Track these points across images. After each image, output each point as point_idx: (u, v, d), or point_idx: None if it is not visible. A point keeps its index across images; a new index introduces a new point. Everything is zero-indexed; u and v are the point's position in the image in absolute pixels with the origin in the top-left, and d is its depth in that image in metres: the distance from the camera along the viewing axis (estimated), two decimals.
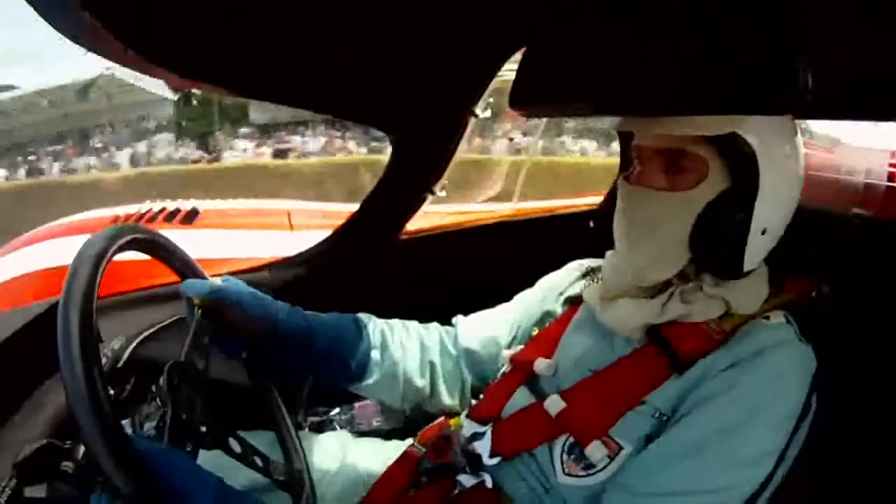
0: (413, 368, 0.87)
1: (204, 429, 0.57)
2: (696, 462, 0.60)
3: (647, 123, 0.69)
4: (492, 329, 0.92)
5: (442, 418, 0.87)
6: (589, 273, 0.89)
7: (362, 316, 0.88)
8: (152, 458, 0.47)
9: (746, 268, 0.68)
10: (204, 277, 0.74)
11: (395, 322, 0.91)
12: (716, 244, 0.67)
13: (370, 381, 0.84)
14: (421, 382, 0.87)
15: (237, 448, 0.60)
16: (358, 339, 0.84)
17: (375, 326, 0.87)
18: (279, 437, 0.76)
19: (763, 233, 0.67)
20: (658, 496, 0.60)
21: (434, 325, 0.95)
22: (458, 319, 0.95)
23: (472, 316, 0.95)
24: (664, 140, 0.67)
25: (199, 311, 0.69)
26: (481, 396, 0.85)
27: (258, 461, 0.62)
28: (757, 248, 0.68)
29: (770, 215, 0.67)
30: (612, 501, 0.63)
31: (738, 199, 0.65)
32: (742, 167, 0.65)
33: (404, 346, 0.88)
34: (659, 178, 0.69)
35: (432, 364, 0.89)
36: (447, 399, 0.90)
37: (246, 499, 0.51)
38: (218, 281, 0.75)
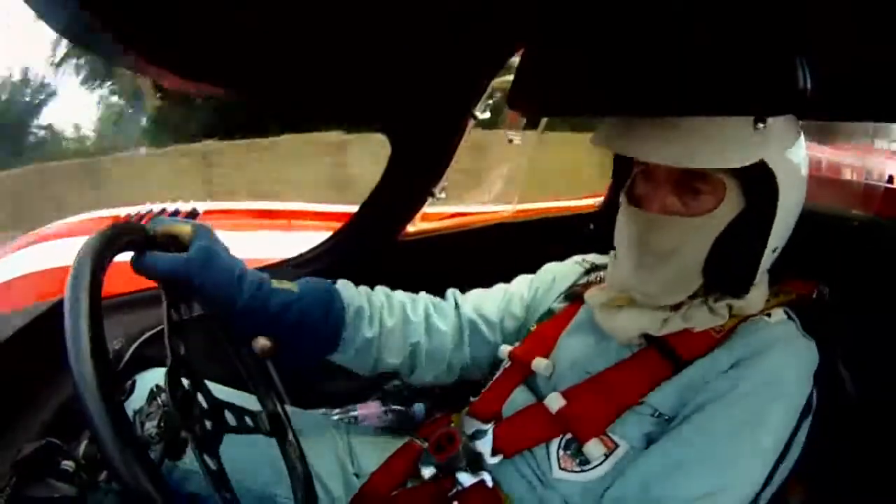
0: (390, 347, 0.82)
1: (198, 429, 0.56)
2: (700, 464, 0.59)
3: (657, 147, 0.62)
4: (492, 301, 0.89)
5: (440, 415, 0.87)
6: (591, 270, 0.88)
7: (340, 287, 0.80)
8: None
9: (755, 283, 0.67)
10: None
11: (379, 293, 0.85)
12: (731, 267, 0.65)
13: (339, 356, 0.80)
14: (396, 361, 0.83)
15: (232, 421, 0.60)
16: (326, 316, 0.76)
17: (352, 302, 0.79)
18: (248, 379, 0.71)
19: (774, 251, 0.67)
20: (665, 499, 0.59)
21: (422, 296, 0.89)
22: (453, 292, 0.91)
23: (472, 291, 0.92)
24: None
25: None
26: (474, 399, 0.84)
27: (248, 420, 0.62)
28: (766, 265, 0.67)
29: (783, 232, 0.67)
30: None
31: (757, 220, 0.64)
32: (761, 189, 0.63)
33: (383, 322, 0.81)
34: (672, 202, 0.66)
35: (414, 345, 0.84)
36: (427, 377, 0.87)
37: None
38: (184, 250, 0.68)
